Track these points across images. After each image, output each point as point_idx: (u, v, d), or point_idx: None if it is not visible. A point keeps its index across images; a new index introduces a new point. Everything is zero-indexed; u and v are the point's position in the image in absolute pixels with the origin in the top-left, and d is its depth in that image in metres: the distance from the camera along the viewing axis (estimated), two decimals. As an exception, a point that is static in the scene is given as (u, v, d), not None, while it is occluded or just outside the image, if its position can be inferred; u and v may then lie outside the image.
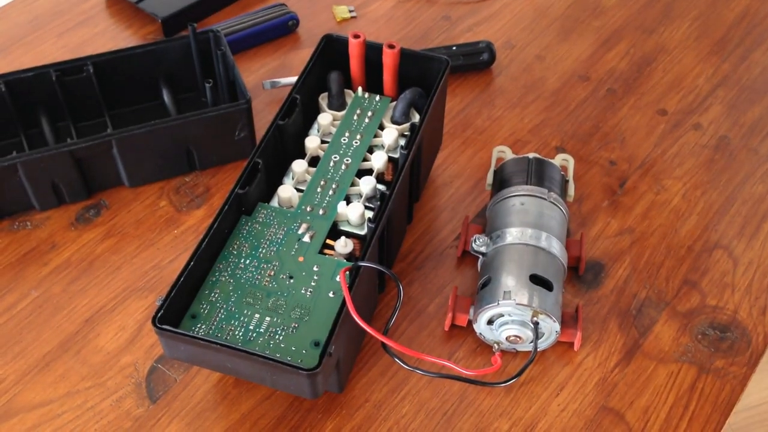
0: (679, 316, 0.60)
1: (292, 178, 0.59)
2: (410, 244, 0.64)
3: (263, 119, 0.72)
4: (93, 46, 0.80)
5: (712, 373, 0.57)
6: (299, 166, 0.59)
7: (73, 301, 0.60)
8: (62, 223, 0.65)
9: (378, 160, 0.59)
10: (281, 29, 0.81)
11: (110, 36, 0.81)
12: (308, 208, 0.57)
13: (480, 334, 0.57)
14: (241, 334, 0.50)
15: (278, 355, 0.48)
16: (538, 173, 0.60)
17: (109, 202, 0.67)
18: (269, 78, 0.77)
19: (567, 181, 0.63)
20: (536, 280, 0.55)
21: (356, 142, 0.61)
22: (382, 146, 0.61)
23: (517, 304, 0.53)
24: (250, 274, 0.53)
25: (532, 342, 0.55)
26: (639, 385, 0.56)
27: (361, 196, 0.58)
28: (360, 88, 0.64)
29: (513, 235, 0.57)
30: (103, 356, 0.57)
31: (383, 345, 0.49)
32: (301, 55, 0.80)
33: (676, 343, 0.58)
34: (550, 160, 0.62)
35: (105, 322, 0.59)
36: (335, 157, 0.60)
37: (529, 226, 0.57)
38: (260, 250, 0.54)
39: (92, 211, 0.66)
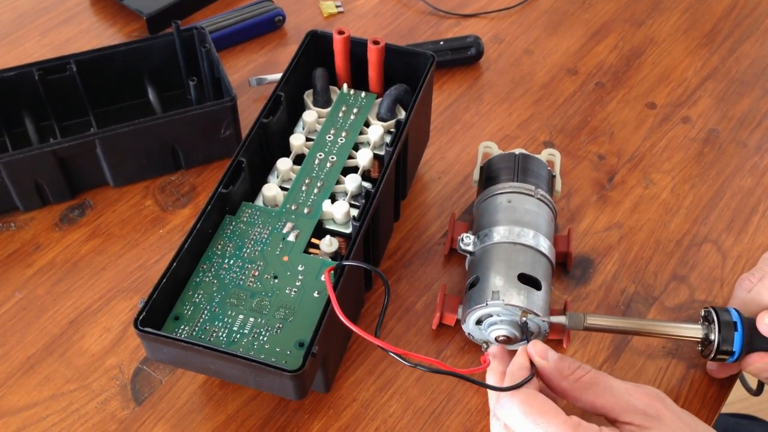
0: (667, 311, 0.60)
1: (277, 177, 0.58)
2: (398, 241, 0.64)
3: (250, 117, 0.72)
4: (77, 44, 0.79)
5: (701, 368, 0.56)
6: (284, 164, 0.58)
7: (58, 303, 0.60)
8: (46, 223, 0.64)
9: (363, 158, 0.59)
10: (267, 25, 0.81)
11: (95, 34, 0.80)
12: (293, 207, 0.56)
13: (469, 334, 0.56)
14: (224, 335, 0.50)
15: (262, 357, 0.48)
16: (524, 169, 0.60)
17: (93, 202, 0.66)
18: (255, 75, 0.77)
19: (554, 177, 0.62)
20: (525, 279, 0.54)
21: (341, 140, 0.60)
22: (368, 143, 0.61)
23: (506, 304, 0.53)
24: (234, 275, 0.53)
25: (521, 342, 0.54)
26: (627, 381, 0.56)
27: (347, 194, 0.57)
28: (345, 85, 0.64)
29: (500, 233, 0.56)
30: (87, 358, 0.57)
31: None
32: (288, 52, 0.79)
33: (665, 339, 0.58)
34: (537, 156, 0.61)
35: (90, 324, 0.58)
36: (320, 155, 0.59)
37: (517, 224, 0.56)
38: (244, 249, 0.54)
39: (76, 212, 0.65)
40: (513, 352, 0.50)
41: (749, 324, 0.51)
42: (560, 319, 0.52)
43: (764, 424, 0.86)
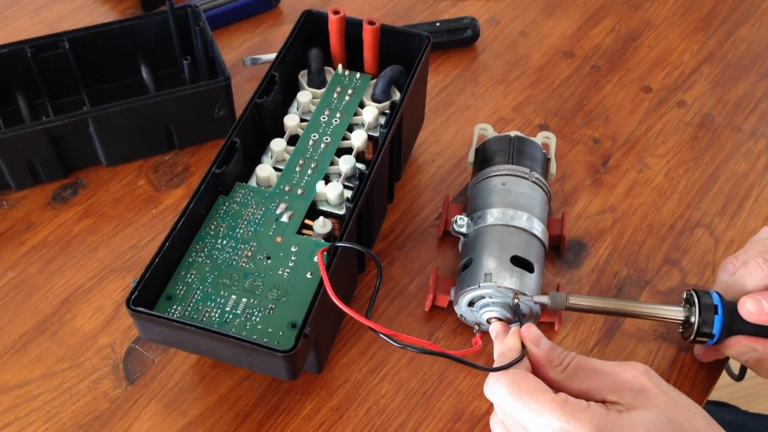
0: (659, 294, 0.60)
1: (271, 157, 0.58)
2: (391, 223, 0.64)
3: (244, 96, 0.71)
4: (70, 21, 0.79)
5: (692, 352, 0.57)
6: (278, 144, 0.58)
7: (50, 282, 0.59)
8: (39, 202, 0.64)
9: (358, 139, 0.59)
10: (262, 4, 0.80)
11: (88, 11, 0.80)
12: (287, 188, 0.56)
13: (461, 315, 0.57)
14: (217, 315, 0.50)
15: (254, 337, 0.48)
16: (519, 152, 0.60)
17: (86, 181, 0.66)
18: (250, 54, 0.76)
19: (549, 160, 0.62)
20: (517, 261, 0.54)
21: (336, 121, 0.60)
22: (362, 125, 0.60)
23: (498, 286, 0.53)
24: (227, 255, 0.52)
25: (513, 324, 0.54)
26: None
27: (341, 176, 0.57)
28: (340, 66, 0.64)
29: (494, 215, 0.56)
30: (80, 337, 0.57)
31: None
32: (283, 31, 0.79)
33: (656, 322, 0.58)
34: (532, 139, 0.61)
35: (82, 303, 0.58)
36: (314, 136, 0.59)
37: (511, 207, 0.56)
38: (237, 230, 0.54)
39: (69, 191, 0.65)
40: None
41: (730, 307, 0.51)
42: (543, 299, 0.52)
43: (734, 411, 0.86)
